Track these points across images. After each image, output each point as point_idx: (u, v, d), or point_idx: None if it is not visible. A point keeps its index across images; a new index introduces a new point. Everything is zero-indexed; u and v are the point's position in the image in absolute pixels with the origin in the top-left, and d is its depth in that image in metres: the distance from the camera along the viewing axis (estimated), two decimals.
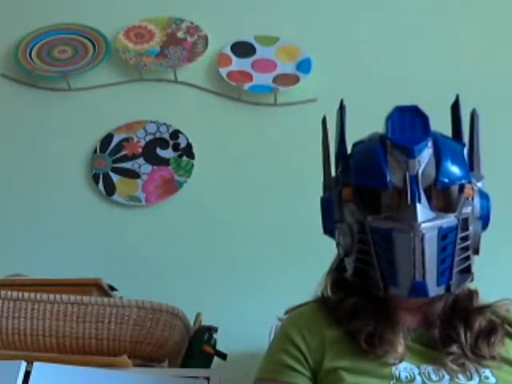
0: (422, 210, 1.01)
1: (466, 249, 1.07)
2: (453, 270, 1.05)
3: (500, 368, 1.05)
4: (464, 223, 1.06)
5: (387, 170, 1.06)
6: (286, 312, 1.20)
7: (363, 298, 1.10)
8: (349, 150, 1.18)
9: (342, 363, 1.05)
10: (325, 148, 1.22)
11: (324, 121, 1.22)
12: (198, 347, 1.41)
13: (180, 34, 2.23)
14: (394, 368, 1.03)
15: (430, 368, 1.05)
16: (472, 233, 1.07)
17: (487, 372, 1.05)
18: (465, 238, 1.06)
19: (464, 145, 1.15)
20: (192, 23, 2.25)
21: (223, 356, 1.45)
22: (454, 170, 1.07)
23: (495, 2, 2.22)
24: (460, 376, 1.03)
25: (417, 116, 1.08)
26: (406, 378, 1.03)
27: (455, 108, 1.18)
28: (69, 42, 2.24)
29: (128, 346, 1.32)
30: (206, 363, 1.41)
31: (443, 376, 1.03)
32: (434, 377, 1.03)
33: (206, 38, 2.21)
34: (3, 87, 2.22)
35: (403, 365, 1.04)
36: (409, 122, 1.08)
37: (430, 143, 1.07)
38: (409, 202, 1.02)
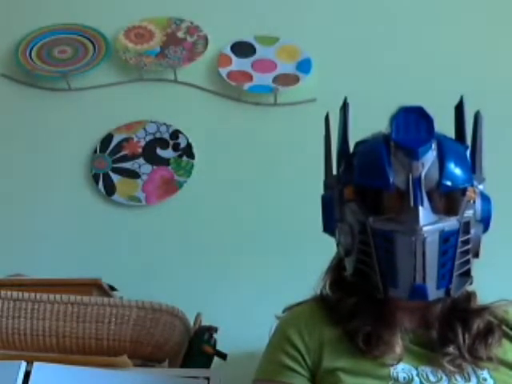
0: (424, 213, 1.01)
1: (466, 252, 1.07)
2: (453, 274, 1.05)
3: (497, 369, 1.05)
4: (465, 226, 1.06)
5: (390, 170, 1.05)
6: (285, 310, 1.20)
7: (362, 298, 1.10)
8: (350, 149, 1.18)
9: (340, 363, 1.05)
10: (327, 146, 1.21)
11: (327, 118, 1.22)
12: (198, 347, 1.41)
13: (180, 34, 2.23)
14: (392, 369, 1.03)
15: (428, 369, 1.05)
16: (473, 236, 1.07)
17: (485, 373, 1.05)
18: (466, 242, 1.06)
19: (467, 147, 1.15)
20: (192, 23, 2.25)
21: (223, 356, 1.45)
22: (458, 173, 1.07)
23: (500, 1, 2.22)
24: (458, 377, 1.04)
25: (422, 117, 1.07)
26: (404, 378, 1.03)
27: (459, 109, 1.18)
28: (69, 42, 2.24)
29: (128, 346, 1.33)
30: (206, 363, 1.41)
31: (441, 377, 1.04)
32: (432, 378, 1.04)
33: (206, 38, 2.21)
34: (3, 87, 2.22)
35: (401, 366, 1.04)
36: (413, 123, 1.07)
37: (434, 145, 1.06)
38: (411, 205, 1.02)
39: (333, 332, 1.09)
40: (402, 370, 1.03)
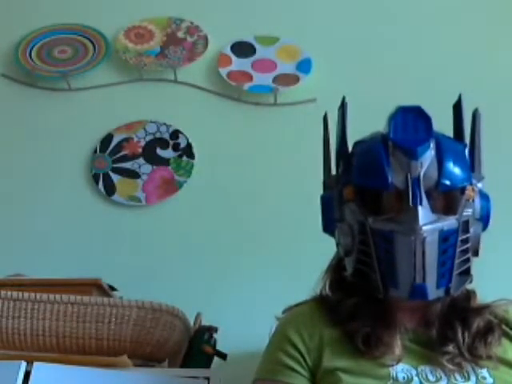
0: (424, 213, 1.01)
1: (465, 251, 1.07)
2: (453, 273, 1.05)
3: (497, 368, 1.05)
4: (465, 225, 1.06)
5: (389, 170, 1.05)
6: (284, 311, 1.20)
7: (362, 298, 1.10)
8: (349, 149, 1.18)
9: (340, 363, 1.05)
10: (325, 146, 1.21)
11: (325, 118, 1.22)
12: (197, 347, 1.41)
13: (180, 34, 2.23)
14: (391, 369, 1.03)
15: (427, 369, 1.05)
16: (472, 235, 1.07)
17: (484, 372, 1.05)
18: (465, 241, 1.06)
19: (465, 145, 1.15)
20: (192, 23, 2.25)
21: (223, 356, 1.45)
22: (456, 172, 1.07)
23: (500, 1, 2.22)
24: (457, 376, 1.04)
25: (420, 117, 1.08)
26: (404, 378, 1.03)
27: (457, 108, 1.17)
28: (69, 42, 2.24)
29: (128, 346, 1.32)
30: (206, 363, 1.41)
31: (440, 377, 1.04)
32: (431, 377, 1.04)
33: (206, 38, 2.21)
34: (3, 87, 2.22)
35: (401, 366, 1.04)
36: (412, 123, 1.07)
37: (432, 145, 1.06)
38: (410, 204, 1.01)
39: (333, 332, 1.09)
40: (401, 370, 1.04)
